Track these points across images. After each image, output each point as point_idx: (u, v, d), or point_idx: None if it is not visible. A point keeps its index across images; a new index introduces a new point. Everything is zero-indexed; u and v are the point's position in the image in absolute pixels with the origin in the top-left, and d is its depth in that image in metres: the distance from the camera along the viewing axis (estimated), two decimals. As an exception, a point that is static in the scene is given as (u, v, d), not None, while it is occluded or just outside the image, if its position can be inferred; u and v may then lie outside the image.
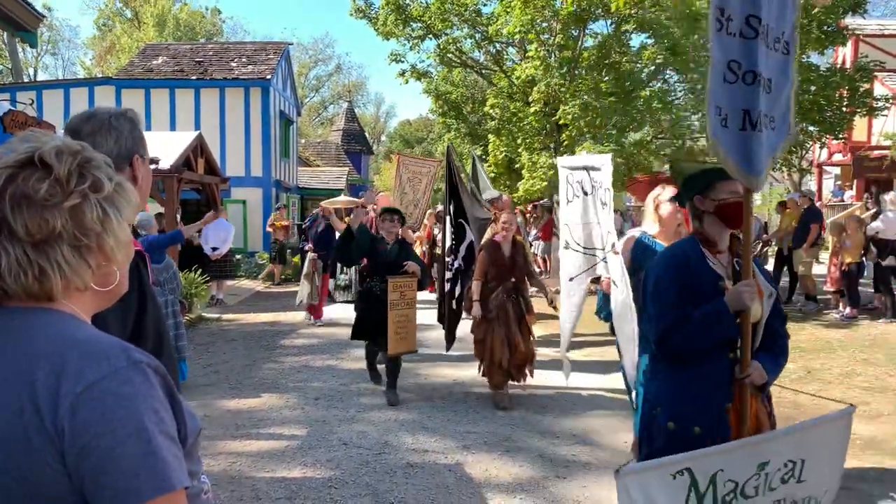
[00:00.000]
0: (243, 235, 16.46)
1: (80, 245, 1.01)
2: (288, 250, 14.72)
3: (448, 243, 6.21)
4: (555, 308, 5.76)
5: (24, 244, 0.97)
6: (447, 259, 6.14)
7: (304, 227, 11.75)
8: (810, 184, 22.41)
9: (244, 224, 16.83)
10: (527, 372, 5.83)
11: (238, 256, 14.10)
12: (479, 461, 4.52)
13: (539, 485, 4.17)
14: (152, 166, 1.89)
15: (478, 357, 5.93)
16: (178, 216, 11.06)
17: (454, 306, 6.42)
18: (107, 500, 0.90)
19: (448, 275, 6.07)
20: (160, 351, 1.58)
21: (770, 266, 11.28)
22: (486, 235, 6.24)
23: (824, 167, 21.56)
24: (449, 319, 6.45)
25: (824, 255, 11.27)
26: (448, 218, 6.20)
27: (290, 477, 4.27)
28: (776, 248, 11.08)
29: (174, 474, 0.93)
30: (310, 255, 9.69)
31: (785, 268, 10.90)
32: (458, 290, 6.41)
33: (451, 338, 6.43)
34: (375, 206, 8.05)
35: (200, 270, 10.61)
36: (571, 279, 5.09)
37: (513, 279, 5.76)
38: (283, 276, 14.62)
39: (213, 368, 7.12)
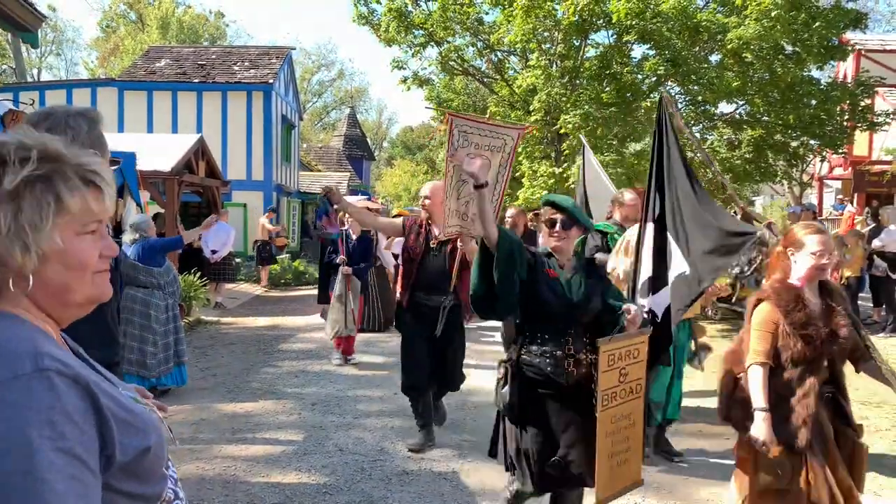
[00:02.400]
0: (243, 239, 16.48)
1: None
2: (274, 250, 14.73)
3: (646, 272, 3.56)
4: None
5: None
6: (640, 303, 3.51)
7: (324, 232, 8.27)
8: (811, 197, 22.43)
9: (244, 227, 16.85)
10: None
11: (238, 260, 14.11)
12: (475, 469, 4.51)
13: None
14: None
15: None
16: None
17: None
18: None
19: None
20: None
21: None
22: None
23: (825, 181, 21.59)
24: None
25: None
26: (651, 226, 3.61)
27: (286, 482, 4.26)
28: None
29: (56, 499, 0.81)
30: (342, 269, 7.18)
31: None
32: None
33: None
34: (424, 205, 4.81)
35: (199, 273, 10.63)
36: None
37: (826, 363, 2.88)
38: (270, 280, 14.68)
39: (210, 372, 7.11)
